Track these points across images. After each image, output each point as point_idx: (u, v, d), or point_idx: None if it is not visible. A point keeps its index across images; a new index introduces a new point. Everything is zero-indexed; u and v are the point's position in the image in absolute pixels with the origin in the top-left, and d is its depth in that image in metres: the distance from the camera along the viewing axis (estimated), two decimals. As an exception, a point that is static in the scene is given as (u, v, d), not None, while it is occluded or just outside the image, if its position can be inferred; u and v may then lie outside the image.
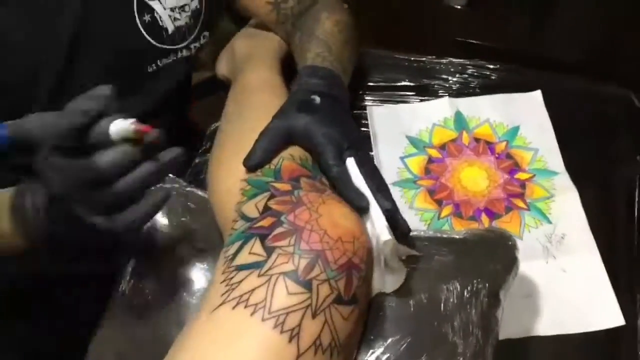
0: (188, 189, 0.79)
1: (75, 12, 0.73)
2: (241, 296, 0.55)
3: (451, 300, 0.66)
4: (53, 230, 0.57)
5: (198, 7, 0.84)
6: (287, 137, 0.69)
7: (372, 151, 0.92)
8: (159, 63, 0.82)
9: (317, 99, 0.71)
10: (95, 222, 0.54)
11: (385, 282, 0.64)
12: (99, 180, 0.53)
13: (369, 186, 0.65)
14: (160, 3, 0.79)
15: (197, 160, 0.96)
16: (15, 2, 0.70)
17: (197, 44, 0.86)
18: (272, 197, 0.62)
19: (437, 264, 0.68)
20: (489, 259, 0.69)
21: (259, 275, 0.56)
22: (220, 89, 1.12)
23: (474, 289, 0.67)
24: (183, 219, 0.75)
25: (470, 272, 0.68)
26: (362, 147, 0.70)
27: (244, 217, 0.63)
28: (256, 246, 0.58)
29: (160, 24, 0.80)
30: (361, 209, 0.63)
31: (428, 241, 0.70)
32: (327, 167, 0.66)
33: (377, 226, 0.63)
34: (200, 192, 0.78)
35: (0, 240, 0.61)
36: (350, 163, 0.67)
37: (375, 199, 0.65)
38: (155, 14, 0.79)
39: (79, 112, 0.53)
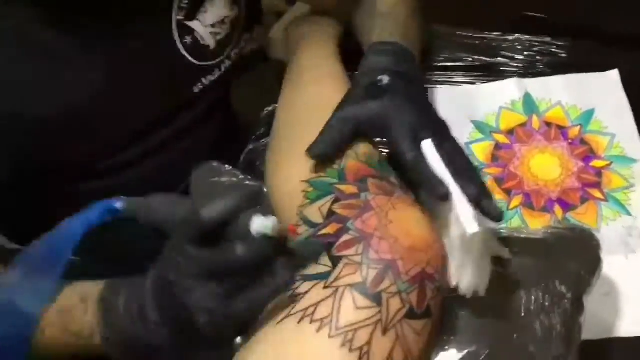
0: (247, 182, 0.75)
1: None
2: (306, 309, 0.52)
3: (531, 307, 0.61)
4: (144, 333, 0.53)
5: (237, 14, 0.78)
6: (355, 127, 0.63)
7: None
8: (204, 81, 0.79)
9: (386, 79, 0.65)
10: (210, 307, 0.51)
11: (463, 281, 0.59)
12: (229, 273, 0.51)
13: (449, 170, 0.59)
14: (200, 21, 0.74)
15: (250, 147, 0.92)
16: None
17: (237, 50, 0.81)
18: (336, 200, 0.58)
19: (514, 267, 0.63)
20: (572, 260, 0.64)
21: (324, 287, 0.52)
22: (258, 61, 1.08)
23: (556, 294, 0.62)
24: (241, 216, 0.71)
25: (551, 276, 0.62)
26: (441, 129, 0.64)
27: (308, 222, 0.59)
28: (321, 255, 0.55)
29: (202, 42, 0.75)
30: (441, 198, 0.57)
31: (503, 241, 0.65)
32: (401, 154, 0.61)
33: (462, 216, 0.57)
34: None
35: (77, 339, 0.57)
36: (427, 145, 0.60)
37: (458, 183, 0.58)
38: (196, 34, 0.74)
39: (224, 209, 0.52)
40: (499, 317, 0.60)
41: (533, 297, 0.61)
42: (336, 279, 0.52)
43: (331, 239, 0.55)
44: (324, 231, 0.56)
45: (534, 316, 0.60)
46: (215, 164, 0.76)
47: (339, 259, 0.53)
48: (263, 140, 0.90)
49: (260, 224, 0.51)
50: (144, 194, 0.78)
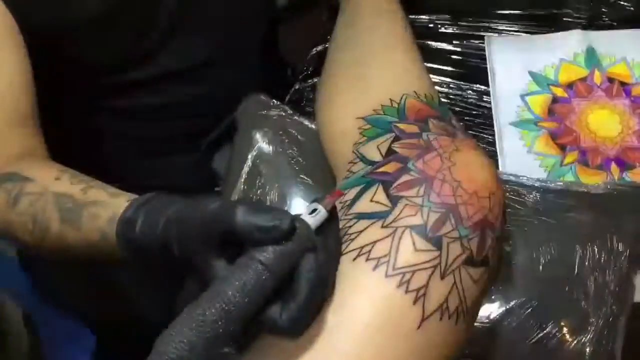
0: (296, 118, 0.73)
1: None
2: (362, 247, 0.50)
3: (586, 262, 0.59)
4: None
5: None
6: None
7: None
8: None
9: None
10: None
11: None
12: None
13: None
14: None
15: (297, 87, 0.90)
16: None
17: None
18: (396, 139, 0.56)
19: (572, 220, 0.61)
20: (631, 218, 0.62)
21: (382, 227, 0.51)
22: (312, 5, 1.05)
23: (613, 251, 0.60)
24: (290, 150, 0.70)
25: (609, 232, 0.60)
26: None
27: (364, 160, 0.57)
28: (379, 194, 0.52)
29: None
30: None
31: (560, 194, 0.63)
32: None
33: None
34: (308, 123, 0.72)
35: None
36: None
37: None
38: None
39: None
40: (552, 271, 0.59)
41: (589, 253, 0.60)
42: (395, 219, 0.50)
43: (389, 178, 0.53)
44: (382, 169, 0.53)
45: (588, 272, 0.59)
46: (263, 96, 0.74)
47: (399, 199, 0.51)
48: (310, 80, 0.88)
49: (314, 220, 0.46)
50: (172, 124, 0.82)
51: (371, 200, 0.52)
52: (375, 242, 0.50)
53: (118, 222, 0.50)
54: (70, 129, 0.74)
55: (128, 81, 0.75)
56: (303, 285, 0.44)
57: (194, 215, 0.46)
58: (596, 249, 0.59)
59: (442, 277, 0.49)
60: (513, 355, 0.57)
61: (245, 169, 0.68)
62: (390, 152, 0.55)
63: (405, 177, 0.52)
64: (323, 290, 0.46)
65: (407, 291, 0.48)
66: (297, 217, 0.45)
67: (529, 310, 0.57)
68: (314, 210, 0.46)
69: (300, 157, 0.68)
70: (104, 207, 0.53)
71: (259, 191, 0.67)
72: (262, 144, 0.69)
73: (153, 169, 0.84)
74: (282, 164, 0.68)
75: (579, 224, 0.60)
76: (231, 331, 0.42)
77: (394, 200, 0.51)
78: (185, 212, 0.47)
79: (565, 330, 0.57)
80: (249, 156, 0.68)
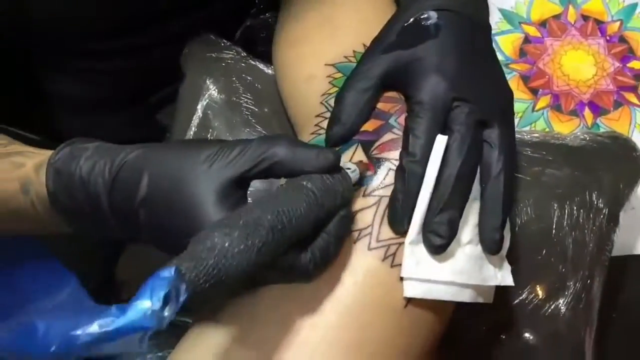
0: (251, 61, 0.66)
1: None
2: None
3: (564, 222, 0.55)
4: None
5: None
6: (386, 83, 0.48)
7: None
8: None
9: (433, 17, 0.48)
10: None
11: None
12: None
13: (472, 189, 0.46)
14: None
15: (248, 23, 0.81)
16: None
17: None
18: None
19: (547, 177, 0.57)
20: (610, 172, 0.58)
21: (364, 195, 0.46)
22: None
23: (593, 208, 0.56)
24: (245, 100, 0.63)
25: (587, 189, 0.56)
26: (496, 114, 0.46)
27: (335, 116, 0.51)
28: (357, 156, 0.47)
29: None
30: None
31: (535, 147, 0.59)
32: (409, 129, 0.46)
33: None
34: (264, 67, 0.65)
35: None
36: (438, 143, 0.44)
37: (482, 219, 0.46)
38: None
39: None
40: (528, 232, 0.55)
41: (567, 211, 0.56)
42: (378, 186, 0.46)
43: (369, 137, 0.47)
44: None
45: (566, 232, 0.55)
46: (212, 36, 0.66)
47: (381, 161, 0.46)
48: (262, 15, 0.80)
49: (353, 178, 0.44)
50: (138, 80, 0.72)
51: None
52: (356, 212, 0.45)
53: (49, 161, 0.43)
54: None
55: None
56: (333, 231, 0.41)
57: (186, 151, 0.41)
58: (575, 207, 0.55)
59: None
60: (488, 320, 0.53)
61: (195, 121, 0.61)
62: (372, 110, 0.49)
63: (387, 136, 0.47)
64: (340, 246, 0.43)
65: (392, 265, 0.44)
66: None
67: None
68: (348, 169, 0.43)
69: (257, 107, 0.62)
70: (29, 156, 0.45)
71: (210, 146, 0.60)
72: (212, 92, 0.62)
73: (97, 124, 0.75)
74: (236, 115, 0.61)
75: (557, 180, 0.56)
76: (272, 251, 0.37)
77: (376, 164, 0.46)
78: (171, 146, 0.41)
79: (541, 294, 0.54)
80: (198, 107, 0.61)
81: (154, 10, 0.63)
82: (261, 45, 0.76)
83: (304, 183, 0.40)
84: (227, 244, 0.35)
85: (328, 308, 0.43)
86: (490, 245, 0.45)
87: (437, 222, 0.44)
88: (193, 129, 0.62)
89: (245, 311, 0.45)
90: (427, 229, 0.44)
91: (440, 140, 0.44)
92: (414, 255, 0.44)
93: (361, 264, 0.44)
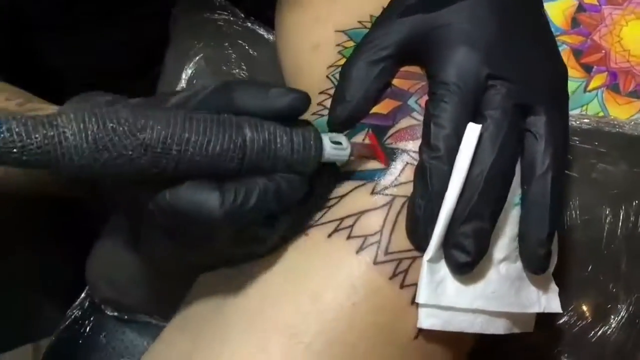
0: (249, 24, 0.57)
1: None
2: (342, 220, 0.36)
3: (617, 231, 0.45)
4: None
5: None
6: (404, 55, 0.39)
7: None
8: None
9: None
10: None
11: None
12: None
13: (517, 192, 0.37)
14: None
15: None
16: None
17: None
18: None
19: (599, 174, 0.46)
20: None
21: (372, 193, 0.36)
22: None
23: (654, 216, 0.45)
24: (237, 70, 0.53)
25: (648, 190, 0.46)
26: (544, 95, 0.37)
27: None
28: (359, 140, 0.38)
29: None
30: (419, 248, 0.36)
31: (586, 136, 0.48)
32: (428, 113, 0.36)
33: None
34: (264, 33, 0.56)
35: None
36: (471, 131, 0.35)
37: (523, 225, 0.36)
38: None
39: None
40: (573, 241, 0.44)
41: (621, 216, 0.45)
42: (392, 184, 0.37)
43: (383, 121, 0.38)
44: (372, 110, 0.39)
45: (620, 242, 0.45)
46: None
47: (397, 153, 0.37)
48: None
49: (334, 153, 0.34)
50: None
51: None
52: (361, 213, 0.36)
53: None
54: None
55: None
56: (257, 185, 0.32)
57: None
58: (632, 212, 0.45)
59: None
60: (523, 345, 0.44)
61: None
62: (385, 86, 0.39)
63: (404, 121, 0.38)
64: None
65: (402, 286, 0.35)
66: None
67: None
68: (337, 143, 0.34)
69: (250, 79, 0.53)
70: (44, 110, 0.40)
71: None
72: (199, 59, 0.53)
73: None
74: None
75: (610, 178, 0.46)
76: None
77: (390, 155, 0.37)
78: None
79: (586, 316, 0.44)
80: (183, 75, 0.53)
81: None
82: (271, 9, 0.67)
83: (236, 118, 0.31)
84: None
85: (314, 332, 0.34)
86: (534, 263, 0.36)
87: (462, 233, 0.34)
88: (176, 102, 0.53)
89: (218, 331, 0.37)
90: (449, 243, 0.34)
91: (472, 130, 0.34)
92: (433, 275, 0.34)
93: (363, 281, 0.35)
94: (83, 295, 0.57)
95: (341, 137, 0.35)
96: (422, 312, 0.34)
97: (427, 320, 0.34)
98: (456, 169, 0.34)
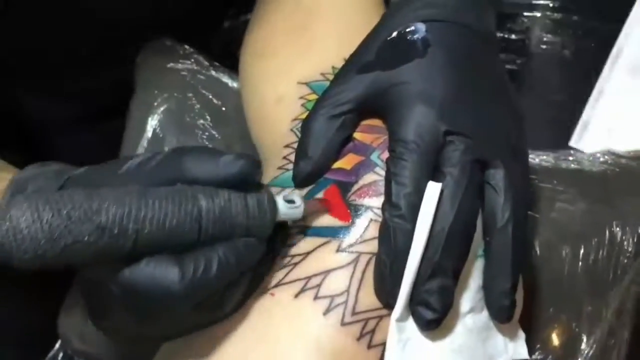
0: (213, 72, 0.57)
1: None
2: (309, 279, 0.36)
3: (577, 269, 0.45)
4: None
5: None
6: (361, 112, 0.40)
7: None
8: None
9: (421, 30, 0.39)
10: None
11: None
12: None
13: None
14: None
15: (226, 25, 0.73)
16: None
17: None
18: None
19: (558, 213, 0.47)
20: (636, 204, 0.48)
21: (338, 250, 0.36)
22: None
23: (613, 251, 0.46)
24: (201, 121, 0.54)
25: (607, 226, 0.47)
26: (502, 150, 0.37)
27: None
28: (333, 199, 0.38)
29: None
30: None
31: (543, 174, 0.49)
32: (389, 168, 0.37)
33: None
34: (228, 81, 0.56)
35: None
36: (431, 190, 0.35)
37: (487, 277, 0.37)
38: None
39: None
40: (534, 281, 0.45)
41: (581, 254, 0.46)
42: (357, 241, 0.37)
43: (347, 177, 0.39)
44: (336, 164, 0.39)
45: (581, 280, 0.45)
46: (168, 41, 0.57)
47: (361, 209, 0.37)
48: (243, 17, 0.70)
49: (288, 213, 0.35)
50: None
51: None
52: (327, 272, 0.36)
53: None
54: None
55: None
56: (215, 253, 0.32)
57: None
58: (591, 251, 0.45)
59: None
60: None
61: (143, 143, 0.53)
62: (345, 141, 0.40)
63: (368, 177, 0.38)
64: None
65: (370, 346, 0.35)
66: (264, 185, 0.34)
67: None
68: (291, 202, 0.35)
69: (215, 130, 0.53)
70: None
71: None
72: (163, 110, 0.53)
73: (77, 143, 0.68)
74: (190, 139, 0.52)
75: (569, 217, 0.46)
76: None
77: (354, 212, 0.37)
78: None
79: (553, 356, 0.44)
80: (147, 127, 0.53)
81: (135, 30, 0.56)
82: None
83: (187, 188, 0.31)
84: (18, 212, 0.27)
85: None
86: (499, 314, 0.36)
87: (426, 290, 0.34)
88: (141, 149, 0.53)
89: None
90: (415, 300, 0.35)
91: (433, 189, 0.35)
92: (401, 334, 0.35)
93: (331, 343, 0.35)
94: (57, 347, 0.57)
95: (294, 196, 0.35)
96: None
97: None
98: (418, 228, 0.34)
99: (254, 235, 0.33)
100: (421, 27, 0.38)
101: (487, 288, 0.36)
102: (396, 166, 0.36)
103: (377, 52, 0.39)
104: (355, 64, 0.40)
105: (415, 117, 0.36)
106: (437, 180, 0.35)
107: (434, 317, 0.34)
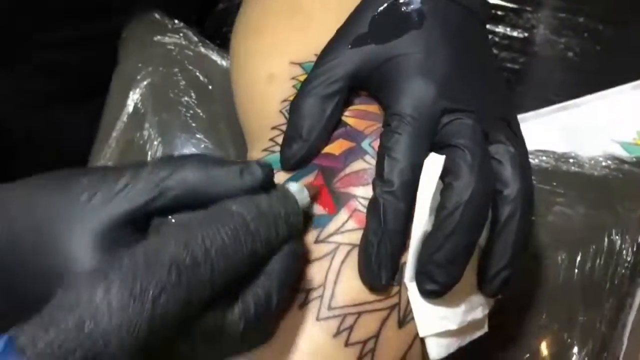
0: (202, 49, 0.54)
1: None
2: None
3: (573, 276, 0.43)
4: None
5: None
6: (354, 88, 0.38)
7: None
8: None
9: (416, 2, 0.37)
10: None
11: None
12: None
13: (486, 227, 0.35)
14: None
15: (221, 6, 0.70)
16: None
17: None
18: (347, 102, 0.38)
19: (556, 217, 0.45)
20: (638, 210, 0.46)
21: (316, 241, 0.34)
22: None
23: (611, 259, 0.44)
24: (185, 98, 0.51)
25: (606, 232, 0.44)
26: (497, 122, 0.36)
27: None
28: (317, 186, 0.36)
29: None
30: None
31: (543, 175, 0.47)
32: (382, 145, 0.35)
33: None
34: (217, 58, 0.54)
35: None
36: (433, 161, 0.34)
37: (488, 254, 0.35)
38: None
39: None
40: (527, 288, 0.43)
41: (577, 261, 0.43)
42: (337, 231, 0.34)
43: (333, 163, 0.36)
44: (324, 149, 0.37)
45: (576, 289, 0.43)
46: (157, 14, 0.54)
47: (344, 198, 0.35)
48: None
49: (302, 201, 0.32)
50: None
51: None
52: (304, 263, 0.34)
53: None
54: None
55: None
56: (276, 272, 0.29)
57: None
58: (588, 258, 0.43)
59: (401, 324, 0.34)
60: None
61: (123, 118, 0.50)
62: (338, 121, 0.38)
63: (356, 164, 0.35)
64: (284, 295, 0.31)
65: (347, 344, 0.33)
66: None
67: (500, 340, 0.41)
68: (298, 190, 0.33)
69: (200, 109, 0.50)
70: None
71: (136, 152, 0.49)
72: (145, 85, 0.50)
73: (51, 123, 0.65)
74: (172, 116, 0.49)
75: (567, 221, 0.44)
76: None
77: (337, 200, 0.35)
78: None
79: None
80: (128, 101, 0.50)
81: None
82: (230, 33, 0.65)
83: (227, 205, 0.28)
84: (99, 296, 0.23)
85: None
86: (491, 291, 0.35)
87: (434, 261, 0.32)
88: (120, 124, 0.50)
89: None
90: (420, 269, 0.33)
91: (434, 162, 0.33)
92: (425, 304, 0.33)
93: (306, 339, 0.33)
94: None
95: (294, 184, 0.33)
96: (430, 343, 0.33)
97: (436, 349, 0.34)
98: (420, 199, 0.33)
99: (292, 233, 0.31)
100: None
101: (487, 263, 0.34)
102: (389, 140, 0.34)
103: (370, 24, 0.37)
104: (346, 37, 0.38)
105: (414, 90, 0.34)
106: (442, 154, 0.33)
107: (436, 289, 0.33)
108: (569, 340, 0.41)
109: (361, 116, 0.37)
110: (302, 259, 0.33)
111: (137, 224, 0.29)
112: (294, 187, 0.32)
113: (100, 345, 0.23)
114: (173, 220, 0.30)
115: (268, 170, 0.31)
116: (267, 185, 0.30)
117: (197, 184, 0.29)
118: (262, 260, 0.29)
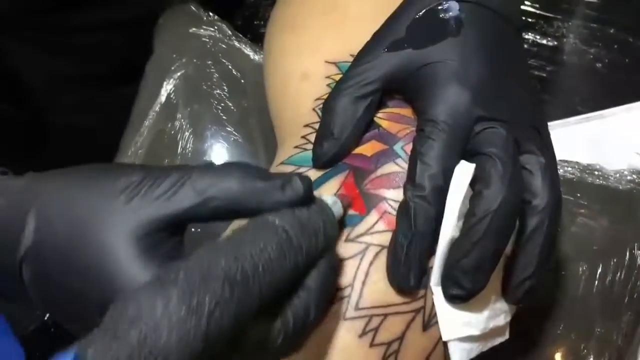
0: (236, 43, 0.55)
1: None
2: None
3: (593, 288, 0.43)
4: None
5: None
6: (387, 91, 0.38)
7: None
8: None
9: (455, 7, 0.37)
10: None
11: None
12: None
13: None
14: None
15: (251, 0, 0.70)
16: None
17: None
18: (381, 104, 0.38)
19: (579, 228, 0.45)
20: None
21: (346, 240, 0.35)
22: None
23: (632, 272, 0.44)
24: (217, 91, 0.52)
25: (629, 246, 0.45)
26: (529, 132, 0.36)
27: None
28: (345, 188, 0.36)
29: None
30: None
31: (567, 185, 0.47)
32: (417, 153, 0.35)
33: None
34: (250, 53, 0.54)
35: None
36: (463, 170, 0.34)
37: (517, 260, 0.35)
38: None
39: None
40: (544, 296, 0.43)
41: (598, 273, 0.44)
42: (367, 232, 0.35)
43: (365, 164, 0.36)
44: (356, 149, 0.37)
45: (595, 300, 0.43)
46: (193, 6, 0.55)
47: (375, 200, 0.35)
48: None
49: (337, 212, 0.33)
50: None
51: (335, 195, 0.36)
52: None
53: None
54: None
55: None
56: (315, 286, 0.30)
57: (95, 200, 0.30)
58: (609, 270, 0.43)
59: (425, 327, 0.34)
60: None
61: (156, 106, 0.51)
62: (370, 122, 0.38)
63: (388, 167, 0.36)
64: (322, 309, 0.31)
65: (372, 344, 0.33)
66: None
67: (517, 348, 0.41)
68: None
69: (231, 102, 0.51)
70: None
71: (167, 142, 0.49)
72: (179, 75, 0.51)
73: (86, 102, 0.66)
74: (204, 107, 0.50)
75: (589, 232, 0.44)
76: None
77: (368, 201, 0.35)
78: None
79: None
80: (162, 91, 0.51)
81: None
82: (263, 27, 0.65)
83: (271, 219, 0.29)
84: (159, 311, 0.24)
85: None
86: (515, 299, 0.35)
87: (461, 267, 0.33)
88: (153, 114, 0.51)
89: None
90: (445, 274, 0.33)
91: (464, 170, 0.33)
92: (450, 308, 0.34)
93: (331, 339, 0.33)
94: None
95: (328, 197, 0.33)
96: (452, 348, 0.34)
97: (460, 354, 0.34)
98: (449, 202, 0.33)
99: (329, 245, 0.31)
100: (455, 5, 0.37)
101: (512, 272, 0.35)
102: (423, 145, 0.34)
103: (408, 29, 0.37)
104: (383, 40, 0.38)
105: (449, 97, 0.35)
106: (472, 162, 0.33)
107: (461, 294, 0.33)
108: (585, 351, 0.42)
109: (395, 119, 0.38)
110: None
111: (173, 229, 0.30)
112: (329, 199, 0.33)
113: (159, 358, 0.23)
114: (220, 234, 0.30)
115: (308, 184, 0.31)
116: (307, 199, 0.31)
117: (239, 196, 0.30)
118: (302, 273, 0.29)
